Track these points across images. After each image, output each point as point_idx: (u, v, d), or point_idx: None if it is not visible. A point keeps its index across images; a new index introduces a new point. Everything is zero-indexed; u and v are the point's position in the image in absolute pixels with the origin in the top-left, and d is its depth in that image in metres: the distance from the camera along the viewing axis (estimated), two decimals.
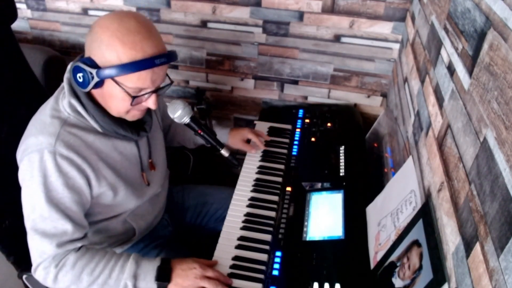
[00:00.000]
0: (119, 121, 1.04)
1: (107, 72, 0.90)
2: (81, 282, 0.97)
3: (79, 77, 0.93)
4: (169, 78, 1.04)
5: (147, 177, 1.17)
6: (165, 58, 0.94)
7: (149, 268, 1.00)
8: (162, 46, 0.96)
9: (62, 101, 0.99)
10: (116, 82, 0.92)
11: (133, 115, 1.03)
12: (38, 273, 0.99)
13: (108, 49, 0.90)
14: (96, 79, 0.92)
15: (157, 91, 0.99)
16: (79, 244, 1.00)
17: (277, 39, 1.73)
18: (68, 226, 0.96)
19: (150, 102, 1.00)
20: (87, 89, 0.94)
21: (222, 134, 1.45)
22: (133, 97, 0.95)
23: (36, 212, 0.95)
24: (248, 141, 1.49)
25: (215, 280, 1.02)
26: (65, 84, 1.00)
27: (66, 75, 1.01)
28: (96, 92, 0.99)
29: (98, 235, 1.17)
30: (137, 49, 0.90)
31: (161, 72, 0.96)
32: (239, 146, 1.46)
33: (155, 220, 1.30)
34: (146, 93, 0.97)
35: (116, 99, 0.96)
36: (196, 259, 1.06)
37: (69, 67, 1.00)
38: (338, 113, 1.67)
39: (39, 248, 0.97)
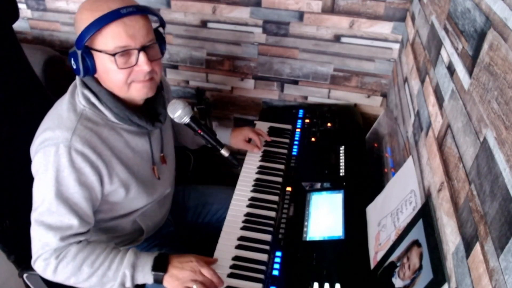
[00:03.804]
0: (133, 110, 1.04)
1: (81, 38, 0.91)
2: (81, 273, 0.98)
3: (73, 64, 0.95)
4: (157, 34, 1.02)
5: (158, 171, 1.17)
6: (133, 8, 0.92)
7: (147, 260, 1.01)
8: (132, 2, 0.95)
9: (77, 95, 1.01)
10: (98, 50, 0.93)
11: (137, 89, 1.00)
12: (38, 264, 0.99)
13: (81, 22, 0.92)
14: (79, 53, 0.93)
15: (143, 49, 0.96)
16: (81, 238, 1.01)
17: (277, 39, 1.73)
18: (74, 221, 0.97)
19: (141, 62, 0.95)
20: (82, 73, 0.95)
21: (224, 134, 1.45)
22: (114, 55, 0.92)
23: (44, 206, 0.96)
24: (249, 140, 1.49)
25: (207, 279, 1.01)
26: (76, 78, 1.01)
27: None
28: (98, 78, 1.00)
29: (106, 234, 1.17)
30: (103, 9, 0.91)
31: (136, 25, 0.93)
32: (241, 146, 1.47)
33: (161, 221, 1.31)
34: (129, 49, 0.94)
35: (110, 72, 0.96)
36: (195, 255, 1.06)
37: None
38: (338, 113, 1.67)
39: (42, 240, 0.97)
